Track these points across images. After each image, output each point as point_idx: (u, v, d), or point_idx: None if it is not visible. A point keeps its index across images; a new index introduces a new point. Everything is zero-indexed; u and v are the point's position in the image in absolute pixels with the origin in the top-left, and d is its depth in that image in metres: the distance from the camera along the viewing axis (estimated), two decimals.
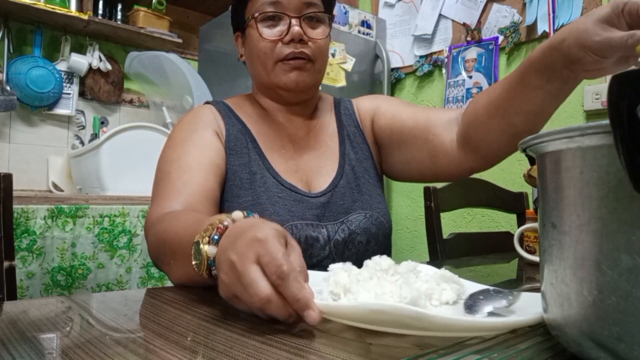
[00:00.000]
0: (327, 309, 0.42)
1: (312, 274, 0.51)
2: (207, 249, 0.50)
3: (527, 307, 0.47)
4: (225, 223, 0.51)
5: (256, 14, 0.83)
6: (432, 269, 0.57)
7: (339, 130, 0.95)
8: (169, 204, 0.73)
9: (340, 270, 0.51)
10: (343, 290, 0.48)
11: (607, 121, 0.29)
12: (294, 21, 0.82)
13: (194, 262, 0.52)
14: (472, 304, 0.49)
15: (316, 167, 0.89)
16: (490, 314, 0.46)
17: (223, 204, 0.82)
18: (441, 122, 0.85)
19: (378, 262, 0.52)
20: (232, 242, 0.46)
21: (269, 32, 0.83)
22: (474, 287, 0.55)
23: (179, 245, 0.58)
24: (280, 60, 0.83)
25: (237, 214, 0.53)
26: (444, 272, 0.54)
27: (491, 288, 0.53)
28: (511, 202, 1.50)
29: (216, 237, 0.50)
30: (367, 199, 0.88)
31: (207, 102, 0.93)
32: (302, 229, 0.80)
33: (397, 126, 0.90)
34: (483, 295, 0.51)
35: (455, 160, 0.83)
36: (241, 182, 0.82)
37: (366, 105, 0.99)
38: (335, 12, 2.17)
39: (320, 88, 0.97)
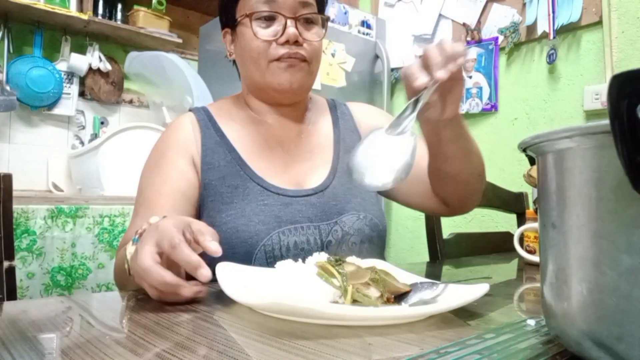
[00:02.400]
0: (246, 301, 0.50)
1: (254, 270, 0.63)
2: (129, 249, 0.59)
3: (448, 298, 0.52)
4: (144, 227, 0.59)
5: (250, 13, 0.81)
6: (380, 265, 0.62)
7: (334, 133, 0.94)
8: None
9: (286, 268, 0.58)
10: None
11: (607, 121, 0.29)
12: (289, 22, 0.80)
13: (126, 267, 0.60)
14: (401, 295, 0.55)
15: (308, 167, 0.88)
16: (414, 304, 0.51)
17: (206, 220, 0.80)
18: None
19: (317, 260, 0.58)
20: (142, 238, 0.56)
21: (264, 32, 0.81)
22: (411, 279, 0.60)
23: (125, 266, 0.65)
24: (275, 60, 0.82)
25: (154, 218, 0.60)
26: (385, 267, 0.60)
27: (421, 280, 0.58)
28: (511, 202, 1.50)
29: (135, 238, 0.59)
30: (360, 201, 0.87)
31: (190, 110, 0.91)
32: (290, 235, 0.79)
33: None
34: (412, 287, 0.56)
35: (441, 207, 0.90)
36: (222, 197, 0.81)
37: (367, 118, 0.98)
38: (335, 12, 2.18)
39: (320, 88, 0.97)
